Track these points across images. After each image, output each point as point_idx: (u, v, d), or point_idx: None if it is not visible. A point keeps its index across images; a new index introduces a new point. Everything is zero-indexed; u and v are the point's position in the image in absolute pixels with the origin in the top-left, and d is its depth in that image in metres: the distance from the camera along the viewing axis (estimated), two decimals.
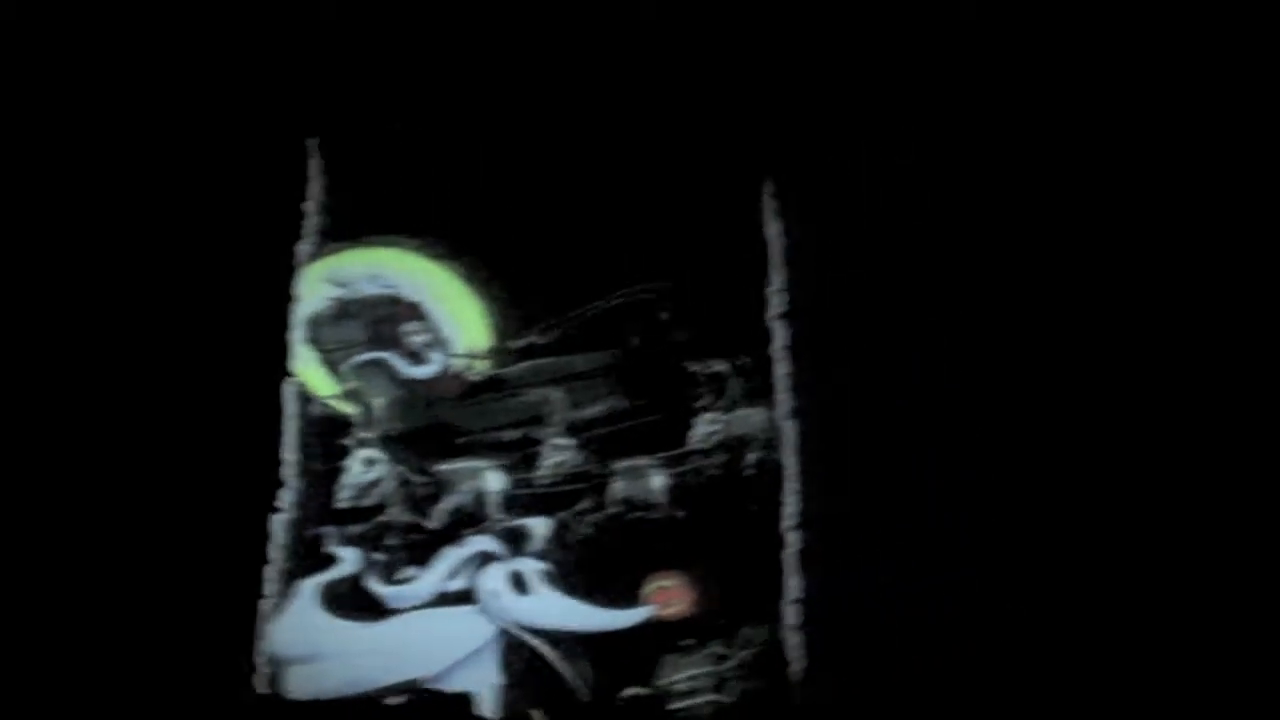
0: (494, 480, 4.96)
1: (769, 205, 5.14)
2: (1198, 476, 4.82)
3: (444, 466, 4.99)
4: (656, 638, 4.78)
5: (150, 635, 4.73)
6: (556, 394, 5.03)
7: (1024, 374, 4.97)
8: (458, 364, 5.10)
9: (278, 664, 4.79)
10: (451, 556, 4.89)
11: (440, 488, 4.97)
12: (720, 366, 5.01)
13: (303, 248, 5.14)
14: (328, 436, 5.03)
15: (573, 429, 4.99)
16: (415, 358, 5.11)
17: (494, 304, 5.10)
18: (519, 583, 4.85)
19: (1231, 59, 5.15)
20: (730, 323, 5.03)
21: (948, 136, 5.16)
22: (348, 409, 5.08)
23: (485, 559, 4.88)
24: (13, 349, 5.00)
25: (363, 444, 5.03)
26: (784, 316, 5.02)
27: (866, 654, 4.71)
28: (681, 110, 5.20)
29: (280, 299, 5.07)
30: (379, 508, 4.96)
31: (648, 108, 5.20)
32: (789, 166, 5.15)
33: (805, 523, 4.82)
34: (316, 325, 5.13)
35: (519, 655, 4.79)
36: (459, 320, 5.11)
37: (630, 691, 4.73)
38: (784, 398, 4.96)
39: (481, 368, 5.09)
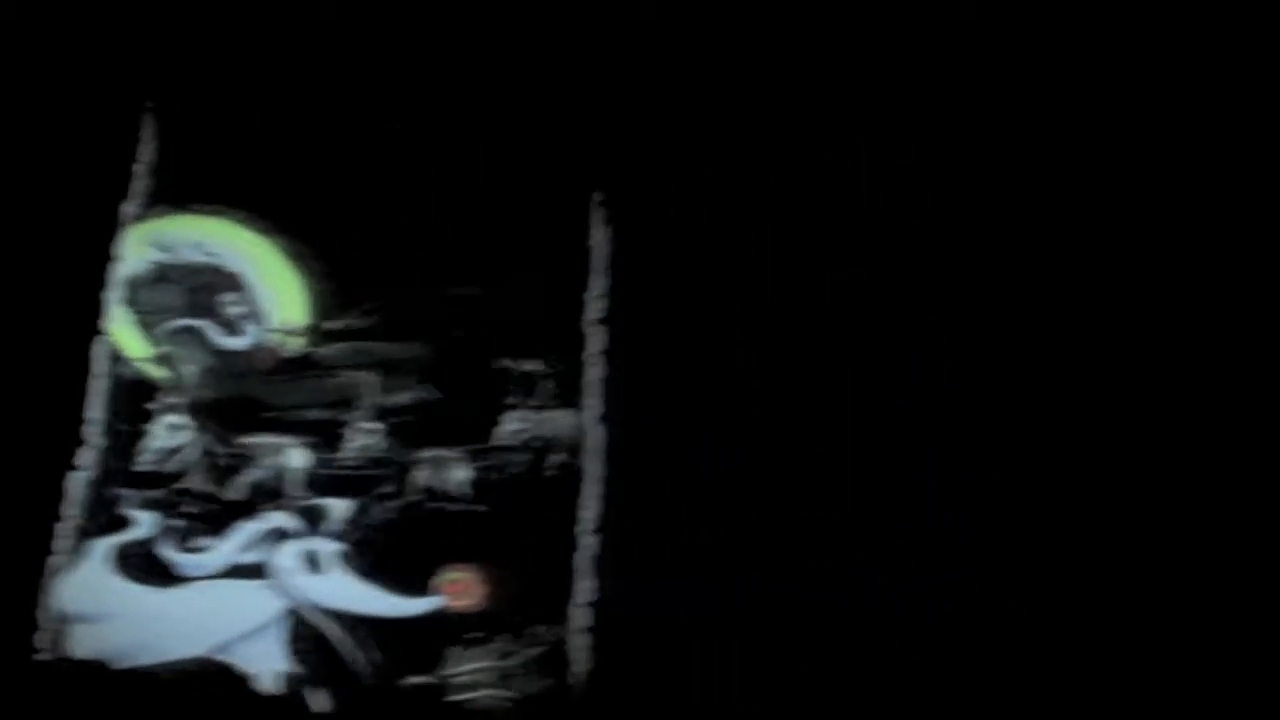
0: (297, 457, 4.95)
1: (596, 213, 5.20)
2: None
3: (249, 439, 4.98)
4: (445, 628, 4.79)
5: None
6: (368, 378, 5.04)
7: (851, 381, 5.04)
8: (273, 339, 5.09)
9: (63, 621, 4.76)
10: (248, 530, 4.88)
11: (243, 460, 4.96)
12: (533, 366, 5.05)
13: (128, 208, 5.12)
14: (135, 399, 5.00)
15: (381, 414, 5.00)
16: (230, 328, 5.10)
17: (315, 283, 5.11)
18: (312, 561, 4.86)
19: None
20: (547, 325, 5.07)
21: (780, 150, 5.24)
22: (158, 373, 5.05)
23: (281, 535, 4.88)
24: None
25: (170, 409, 5.00)
26: (601, 322, 5.07)
27: (655, 660, 4.73)
28: (518, 115, 5.25)
29: (101, 257, 5.05)
30: (180, 474, 4.93)
31: (486, 108, 5.24)
32: (618, 177, 5.21)
33: (602, 527, 4.86)
34: (135, 287, 5.10)
35: (305, 633, 4.79)
36: (278, 295, 5.11)
37: (413, 679, 4.74)
38: (593, 402, 5.02)
39: (296, 345, 5.09)
